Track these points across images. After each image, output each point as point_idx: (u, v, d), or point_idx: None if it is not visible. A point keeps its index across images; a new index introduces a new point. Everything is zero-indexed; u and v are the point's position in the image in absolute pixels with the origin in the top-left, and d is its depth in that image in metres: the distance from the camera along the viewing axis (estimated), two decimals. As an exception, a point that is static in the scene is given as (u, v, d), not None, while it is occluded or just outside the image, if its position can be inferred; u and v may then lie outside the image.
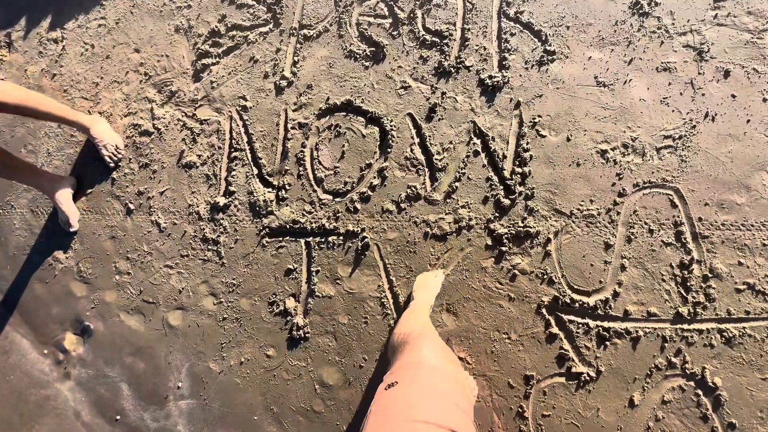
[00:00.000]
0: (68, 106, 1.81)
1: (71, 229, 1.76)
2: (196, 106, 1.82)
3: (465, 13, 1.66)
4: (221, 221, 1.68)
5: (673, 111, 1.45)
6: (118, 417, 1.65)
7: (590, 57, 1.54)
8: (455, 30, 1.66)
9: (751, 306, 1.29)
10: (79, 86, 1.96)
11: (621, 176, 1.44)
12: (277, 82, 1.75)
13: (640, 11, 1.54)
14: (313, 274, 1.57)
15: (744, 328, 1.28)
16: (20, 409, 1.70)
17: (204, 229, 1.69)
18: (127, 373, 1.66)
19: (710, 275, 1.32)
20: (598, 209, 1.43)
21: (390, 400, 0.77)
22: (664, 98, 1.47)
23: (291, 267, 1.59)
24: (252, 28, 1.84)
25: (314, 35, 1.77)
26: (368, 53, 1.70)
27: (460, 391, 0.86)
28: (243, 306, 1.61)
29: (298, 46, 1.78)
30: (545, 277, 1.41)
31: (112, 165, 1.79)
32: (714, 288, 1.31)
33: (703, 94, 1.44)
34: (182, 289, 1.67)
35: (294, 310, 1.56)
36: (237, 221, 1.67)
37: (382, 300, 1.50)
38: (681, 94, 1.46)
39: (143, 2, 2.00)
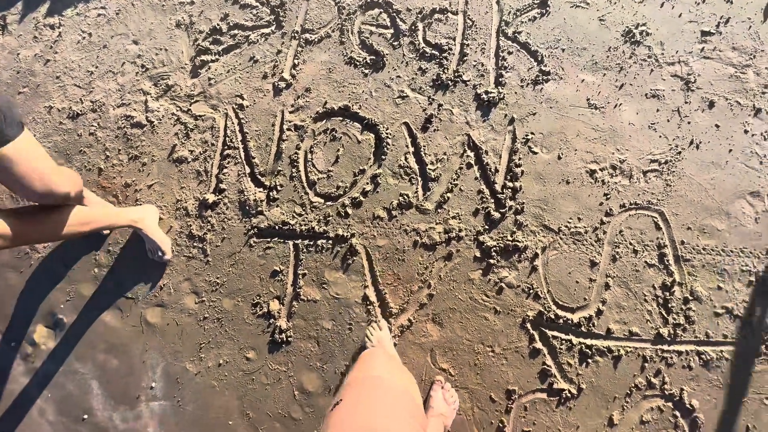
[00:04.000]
0: (115, 208, 1.64)
1: (165, 258, 1.59)
2: (192, 101, 1.80)
3: (465, 29, 1.70)
4: (209, 218, 1.65)
5: (660, 137, 1.50)
6: (85, 416, 1.58)
7: (583, 80, 1.59)
8: (455, 45, 1.69)
9: (728, 330, 1.32)
10: (72, 74, 1.93)
11: (608, 196, 1.47)
12: (276, 83, 1.75)
13: (632, 39, 1.60)
14: (300, 277, 1.55)
15: (722, 351, 1.30)
16: (-20, 404, 1.62)
17: (191, 225, 1.66)
18: (98, 371, 1.60)
19: (691, 298, 1.35)
20: (585, 227, 1.45)
21: (337, 420, 0.71)
22: (652, 124, 1.51)
23: (277, 269, 1.57)
24: (254, 28, 1.85)
25: (316, 40, 1.79)
26: (368, 61, 1.72)
27: (409, 401, 0.82)
28: (225, 306, 1.57)
29: (299, 50, 1.79)
30: (531, 291, 1.42)
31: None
32: (694, 311, 1.34)
33: (689, 122, 1.50)
34: (163, 285, 1.63)
35: (278, 312, 1.54)
36: (225, 219, 1.65)
37: (368, 307, 1.49)
38: (668, 120, 1.51)
39: (146, -5, 1.99)
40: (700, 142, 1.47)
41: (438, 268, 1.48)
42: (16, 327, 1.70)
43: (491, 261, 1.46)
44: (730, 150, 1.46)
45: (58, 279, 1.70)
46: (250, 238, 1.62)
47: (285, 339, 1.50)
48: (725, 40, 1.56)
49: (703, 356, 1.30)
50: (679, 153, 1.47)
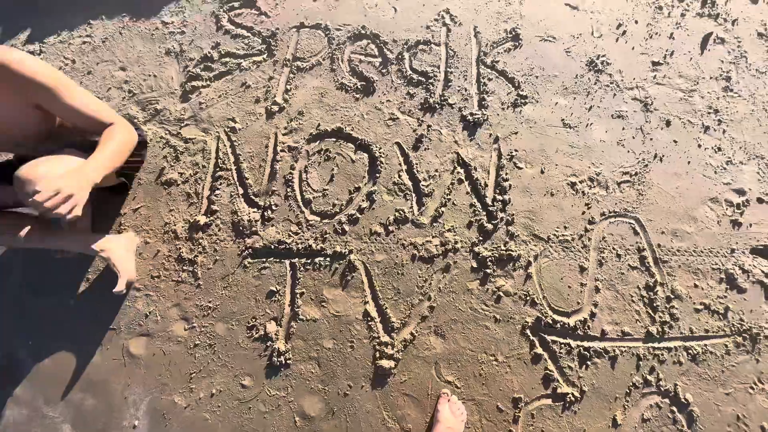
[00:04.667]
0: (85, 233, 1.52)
1: (115, 290, 1.39)
2: (182, 125, 1.80)
3: (448, 58, 1.85)
4: (200, 240, 1.61)
5: (628, 152, 1.66)
6: (52, 468, 1.40)
7: (557, 102, 1.75)
8: (439, 72, 1.83)
9: (709, 325, 1.41)
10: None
11: (589, 206, 1.58)
12: (269, 107, 1.80)
13: (595, 68, 1.80)
14: (298, 296, 1.51)
15: (705, 345, 1.39)
16: None
17: (180, 248, 1.60)
18: (71, 412, 1.44)
19: (672, 296, 1.45)
20: (571, 235, 1.54)
21: None
22: (620, 140, 1.68)
23: (274, 289, 1.53)
24: (246, 56, 1.91)
25: (307, 67, 1.87)
26: (359, 86, 1.81)
27: None
28: (218, 331, 1.50)
29: (291, 76, 1.86)
30: (528, 298, 1.47)
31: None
32: (677, 308, 1.43)
33: (651, 139, 1.67)
34: (149, 313, 1.53)
35: (275, 334, 1.48)
36: (218, 241, 1.61)
37: (370, 323, 1.47)
38: (633, 137, 1.68)
39: (134, 25, 2.02)
40: (663, 156, 1.64)
41: (437, 280, 1.51)
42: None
43: (488, 271, 1.50)
44: (689, 162, 1.63)
45: (24, 310, 1.56)
46: (245, 259, 1.58)
47: (284, 362, 1.44)
48: (672, 69, 1.79)
49: (689, 351, 1.38)
50: (646, 166, 1.63)
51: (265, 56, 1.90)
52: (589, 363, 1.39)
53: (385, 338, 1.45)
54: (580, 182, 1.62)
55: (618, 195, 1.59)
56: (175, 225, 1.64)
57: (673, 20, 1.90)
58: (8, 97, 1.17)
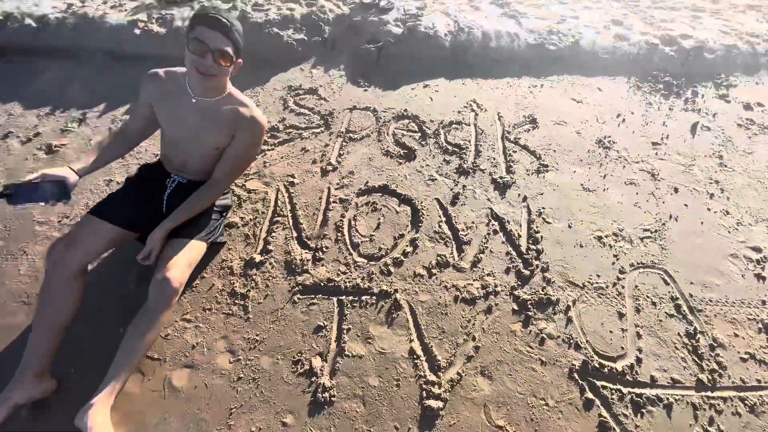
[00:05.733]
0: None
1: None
2: (247, 178, 2.06)
3: (477, 135, 2.19)
4: (254, 276, 1.71)
5: (645, 212, 1.85)
6: None
7: (575, 171, 2.02)
8: (470, 145, 2.15)
9: (759, 375, 1.40)
10: (138, 155, 2.20)
11: (618, 257, 1.71)
12: (324, 167, 2.08)
13: (604, 146, 2.11)
14: (344, 332, 1.55)
15: (761, 396, 1.36)
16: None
17: (234, 283, 1.70)
18: (100, 448, 1.36)
19: (715, 345, 1.47)
20: (605, 282, 1.64)
21: None
22: (635, 203, 1.89)
23: (321, 324, 1.58)
24: (306, 128, 2.28)
25: (358, 138, 2.21)
26: (402, 154, 2.12)
27: None
28: (263, 365, 1.50)
29: (343, 144, 2.19)
30: (571, 341, 1.50)
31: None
32: (722, 357, 1.44)
33: (663, 202, 1.88)
34: (196, 344, 1.56)
35: (320, 370, 1.48)
36: (270, 278, 1.71)
37: (415, 361, 1.48)
38: (647, 201, 1.89)
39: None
40: (678, 216, 1.82)
41: (480, 321, 1.56)
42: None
43: (529, 313, 1.56)
44: (702, 222, 1.81)
45: (74, 336, 1.59)
46: (294, 295, 1.66)
47: (328, 399, 1.41)
48: (670, 148, 2.10)
49: (746, 402, 1.35)
50: (664, 224, 1.80)
51: (322, 129, 2.27)
52: (644, 411, 1.35)
53: (432, 377, 1.44)
54: (606, 236, 1.77)
55: (642, 249, 1.73)
56: (231, 262, 1.76)
57: (663, 113, 2.29)
58: (231, 137, 1.53)
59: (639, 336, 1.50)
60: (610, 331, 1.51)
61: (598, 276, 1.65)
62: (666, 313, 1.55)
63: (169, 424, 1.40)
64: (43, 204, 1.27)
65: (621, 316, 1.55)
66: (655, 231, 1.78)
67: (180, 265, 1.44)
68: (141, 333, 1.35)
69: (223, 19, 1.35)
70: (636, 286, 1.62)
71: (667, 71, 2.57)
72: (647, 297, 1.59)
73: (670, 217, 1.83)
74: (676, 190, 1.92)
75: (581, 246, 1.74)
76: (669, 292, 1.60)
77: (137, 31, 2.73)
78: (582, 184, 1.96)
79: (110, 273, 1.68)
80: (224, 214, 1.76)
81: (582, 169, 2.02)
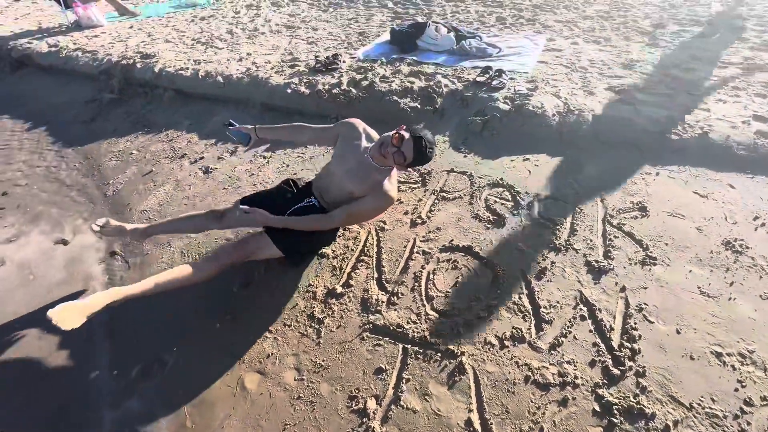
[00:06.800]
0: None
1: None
2: (345, 218, 2.31)
3: (575, 213, 2.12)
4: (332, 305, 1.86)
5: (788, 337, 1.51)
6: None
7: (691, 270, 1.78)
8: (565, 221, 2.08)
9: None
10: (267, 184, 2.66)
11: (744, 384, 1.40)
12: (413, 219, 2.22)
13: (733, 249, 1.83)
14: (403, 381, 1.55)
15: None
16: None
17: (314, 307, 1.86)
18: (174, 423, 1.55)
19: None
20: (723, 411, 1.34)
21: None
22: (775, 323, 1.56)
23: (383, 366, 1.60)
24: (405, 183, 2.50)
25: (450, 198, 2.33)
26: (491, 219, 2.15)
27: None
28: (322, 390, 1.57)
29: (435, 201, 2.32)
30: (668, 471, 1.24)
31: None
32: None
33: (818, 331, 1.51)
34: (271, 354, 1.72)
35: (373, 413, 1.48)
36: (346, 310, 1.83)
37: (471, 434, 1.38)
38: (793, 324, 1.55)
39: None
40: (839, 353, 1.44)
41: (552, 412, 1.40)
42: (122, 357, 1.81)
43: (614, 420, 1.35)
44: None
45: (183, 323, 1.89)
46: (364, 331, 1.74)
47: (374, 445, 1.39)
48: (831, 268, 1.71)
49: None
50: (817, 359, 1.44)
51: (419, 185, 2.45)
52: None
53: (487, 458, 1.32)
54: (728, 355, 1.48)
55: (782, 382, 1.39)
56: (316, 288, 1.95)
57: (822, 224, 1.90)
58: (364, 194, 1.85)
59: (769, 494, 1.17)
60: (725, 475, 1.21)
61: (713, 401, 1.37)
62: (815, 475, 1.19)
63: (232, 422, 1.54)
64: (235, 139, 2.14)
65: (743, 459, 1.24)
66: (803, 364, 1.42)
67: (249, 253, 1.84)
68: (173, 275, 1.72)
69: (430, 153, 1.75)
70: (769, 428, 1.29)
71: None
72: (785, 446, 1.25)
73: (828, 351, 1.45)
74: (838, 319, 1.53)
75: (691, 358, 1.48)
76: (821, 448, 1.23)
77: (288, 90, 3.43)
78: (700, 287, 1.71)
79: (222, 276, 1.99)
80: (317, 254, 2.11)
81: (702, 271, 1.77)
